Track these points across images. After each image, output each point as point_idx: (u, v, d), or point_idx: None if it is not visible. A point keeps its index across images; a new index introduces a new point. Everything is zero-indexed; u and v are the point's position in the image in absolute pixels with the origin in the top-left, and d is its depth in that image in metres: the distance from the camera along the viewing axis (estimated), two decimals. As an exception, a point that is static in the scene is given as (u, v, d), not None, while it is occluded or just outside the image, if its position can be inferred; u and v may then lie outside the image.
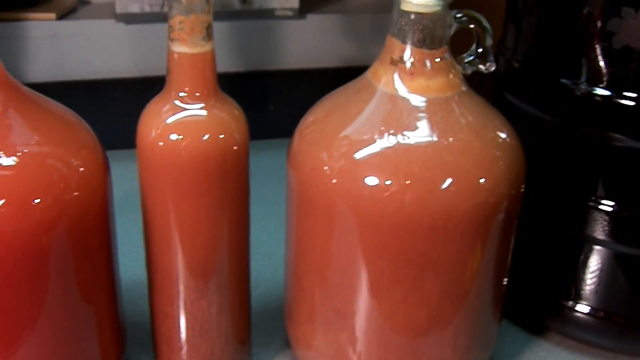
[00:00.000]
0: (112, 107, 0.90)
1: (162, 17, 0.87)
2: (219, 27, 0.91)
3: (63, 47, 0.90)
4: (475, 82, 0.54)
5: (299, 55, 0.95)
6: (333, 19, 0.94)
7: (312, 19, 0.94)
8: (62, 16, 0.90)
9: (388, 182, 0.49)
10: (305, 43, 0.94)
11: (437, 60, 0.51)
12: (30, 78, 0.88)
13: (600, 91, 0.56)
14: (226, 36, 0.92)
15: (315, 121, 0.54)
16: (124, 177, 0.61)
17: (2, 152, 0.47)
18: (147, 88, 0.53)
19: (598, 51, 0.55)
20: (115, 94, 0.91)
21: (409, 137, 0.50)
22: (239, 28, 0.92)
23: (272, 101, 0.98)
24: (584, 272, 0.61)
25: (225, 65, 0.93)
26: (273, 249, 0.68)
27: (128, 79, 0.90)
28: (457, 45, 0.53)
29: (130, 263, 0.61)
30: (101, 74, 0.91)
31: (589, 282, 0.61)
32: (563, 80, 0.57)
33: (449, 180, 0.49)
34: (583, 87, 0.56)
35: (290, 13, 0.93)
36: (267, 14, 0.93)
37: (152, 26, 0.90)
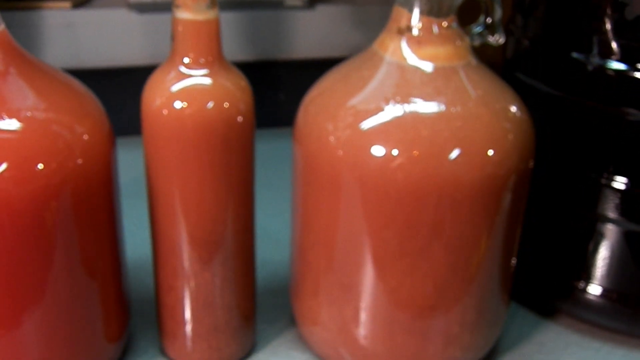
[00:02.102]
0: (126, 94, 0.90)
1: (173, 6, 0.88)
2: (229, 17, 0.91)
3: (78, 36, 0.90)
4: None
5: (308, 45, 0.95)
6: (342, 9, 0.94)
7: (322, 9, 0.94)
8: (76, 5, 0.90)
9: (395, 152, 0.48)
10: (315, 33, 0.94)
11: (445, 27, 0.50)
12: (45, 65, 0.89)
13: (613, 65, 0.55)
14: (236, 26, 0.93)
15: (321, 93, 0.53)
16: (140, 163, 0.62)
17: (4, 115, 0.46)
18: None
19: (610, 23, 0.54)
20: (129, 81, 0.91)
21: (416, 106, 0.49)
22: (248, 18, 0.92)
23: (282, 90, 0.98)
24: (595, 252, 0.60)
25: (236, 54, 0.93)
26: (282, 232, 0.68)
27: (142, 66, 0.91)
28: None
29: (140, 242, 0.61)
30: (115, 61, 0.92)
31: (600, 262, 0.60)
32: (574, 55, 0.56)
33: (457, 151, 0.48)
34: (595, 61, 0.55)
35: (299, 3, 0.93)
36: (277, 4, 0.93)
37: (164, 15, 0.90)
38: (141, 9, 0.90)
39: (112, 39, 0.91)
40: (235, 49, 0.94)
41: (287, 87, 0.98)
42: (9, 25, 0.50)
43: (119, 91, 0.90)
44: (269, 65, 0.97)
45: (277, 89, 0.98)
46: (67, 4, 0.89)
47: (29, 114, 0.47)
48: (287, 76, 0.98)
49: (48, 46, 0.90)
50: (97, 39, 0.91)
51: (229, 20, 0.92)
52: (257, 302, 0.60)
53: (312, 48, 0.95)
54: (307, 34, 0.95)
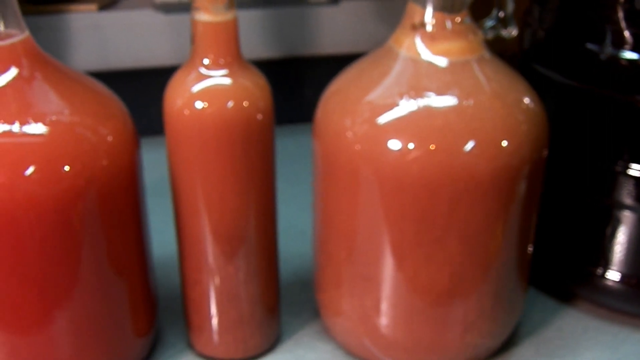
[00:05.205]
0: (153, 94, 0.91)
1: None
2: (255, 14, 0.92)
3: (105, 38, 0.91)
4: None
5: (333, 41, 0.96)
6: (366, 5, 0.95)
7: (345, 5, 0.94)
8: (103, 7, 0.91)
9: (411, 146, 0.49)
10: (339, 29, 0.95)
11: (458, 22, 0.51)
12: (73, 67, 0.90)
13: (625, 54, 0.55)
14: (262, 23, 0.94)
15: (338, 89, 0.54)
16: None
17: (30, 119, 0.48)
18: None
19: (621, 14, 0.55)
20: (157, 81, 0.92)
21: (431, 100, 0.50)
22: (274, 15, 0.93)
23: (308, 85, 0.99)
24: (612, 239, 0.60)
25: (262, 51, 0.94)
26: (307, 225, 0.69)
27: (168, 66, 0.92)
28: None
29: (167, 239, 0.62)
30: (142, 62, 0.93)
31: (618, 248, 0.60)
32: (589, 46, 0.57)
33: (471, 143, 0.49)
34: (608, 51, 0.56)
35: (323, 0, 0.94)
36: (301, 1, 0.94)
37: (189, 15, 0.91)
38: (167, 9, 0.91)
39: (138, 39, 0.92)
40: (261, 46, 0.95)
41: (312, 83, 0.99)
42: (37, 29, 0.51)
43: (146, 91, 0.91)
44: (295, 61, 0.98)
45: (302, 85, 1.00)
46: (94, 7, 0.91)
47: (54, 117, 0.49)
48: (313, 72, 0.99)
49: (76, 49, 0.91)
50: (123, 40, 0.92)
51: (255, 18, 0.93)
52: (283, 295, 0.61)
53: (336, 44, 0.96)
54: (331, 30, 0.96)
